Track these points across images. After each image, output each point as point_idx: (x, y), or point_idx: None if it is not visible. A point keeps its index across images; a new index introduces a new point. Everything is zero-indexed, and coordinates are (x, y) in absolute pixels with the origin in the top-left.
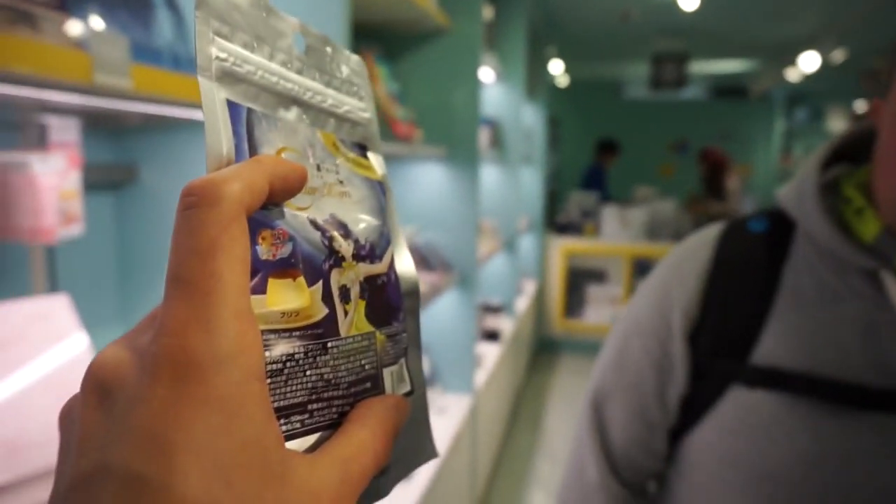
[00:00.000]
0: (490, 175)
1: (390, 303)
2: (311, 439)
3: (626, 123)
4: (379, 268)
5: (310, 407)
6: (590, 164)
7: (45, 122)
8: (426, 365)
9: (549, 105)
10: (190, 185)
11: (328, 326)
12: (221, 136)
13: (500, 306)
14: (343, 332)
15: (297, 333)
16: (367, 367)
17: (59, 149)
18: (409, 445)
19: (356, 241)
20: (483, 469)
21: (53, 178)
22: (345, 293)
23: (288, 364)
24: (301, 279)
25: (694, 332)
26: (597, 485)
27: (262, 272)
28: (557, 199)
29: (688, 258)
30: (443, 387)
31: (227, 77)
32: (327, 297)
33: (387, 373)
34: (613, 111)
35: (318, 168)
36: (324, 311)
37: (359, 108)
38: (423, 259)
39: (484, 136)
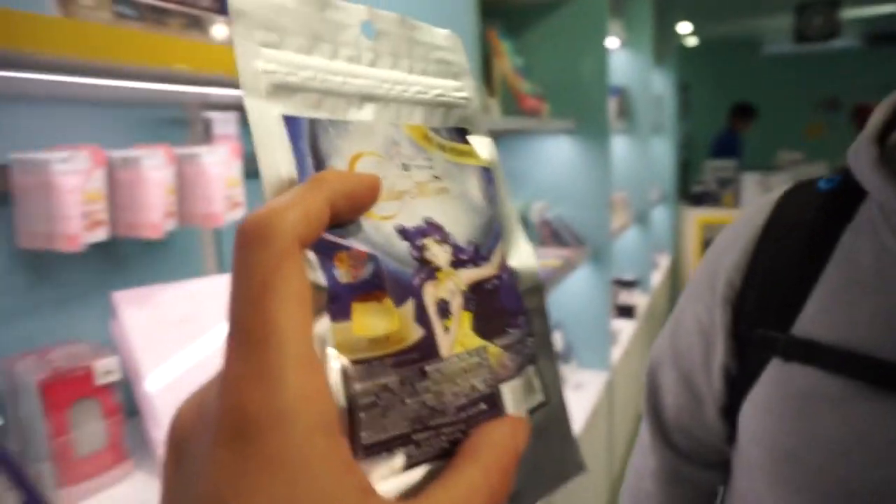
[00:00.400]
0: (619, 146)
1: (505, 308)
2: (419, 472)
3: (765, 83)
4: (487, 271)
5: (415, 438)
6: (721, 131)
7: (209, 118)
8: (559, 341)
9: (679, 70)
10: (243, 219)
11: (425, 348)
12: (278, 158)
13: (633, 281)
14: (445, 352)
15: (390, 361)
16: (479, 386)
17: (223, 141)
18: (547, 461)
19: (455, 246)
20: (619, 447)
21: (220, 168)
22: (443, 308)
23: (382, 395)
24: (388, 300)
25: (737, 298)
26: (648, 446)
27: (344, 297)
28: (690, 169)
29: (746, 218)
30: (577, 363)
31: (281, 90)
32: (421, 316)
33: (507, 389)
34: (750, 70)
35: (406, 167)
36: (418, 332)
37: (453, 88)
38: (554, 234)
39: (612, 106)
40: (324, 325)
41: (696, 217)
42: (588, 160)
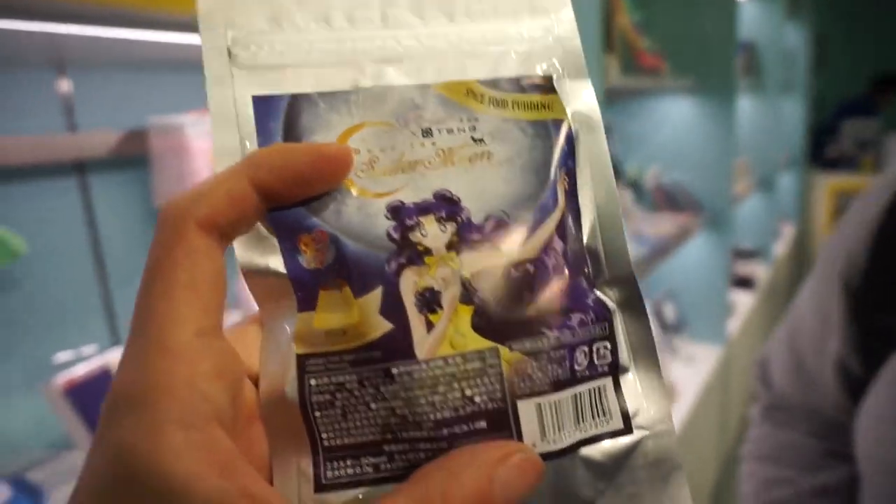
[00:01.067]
0: (743, 106)
1: (543, 301)
2: (390, 489)
3: None
4: (513, 253)
5: (386, 449)
6: (855, 97)
7: None
8: (670, 311)
9: (815, 21)
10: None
11: (392, 346)
12: (237, 143)
13: (753, 251)
14: (424, 352)
15: (348, 358)
16: (476, 398)
17: None
18: None
19: (466, 222)
20: (732, 426)
21: None
22: (427, 299)
23: (338, 395)
24: (347, 289)
25: (861, 281)
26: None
27: (311, 285)
28: (823, 131)
29: (877, 190)
30: (690, 335)
31: (254, 70)
32: (391, 308)
33: (527, 406)
34: None
35: (427, 133)
36: (384, 326)
37: (529, 26)
38: (669, 199)
39: (737, 62)
40: (290, 313)
41: (828, 184)
42: (709, 121)
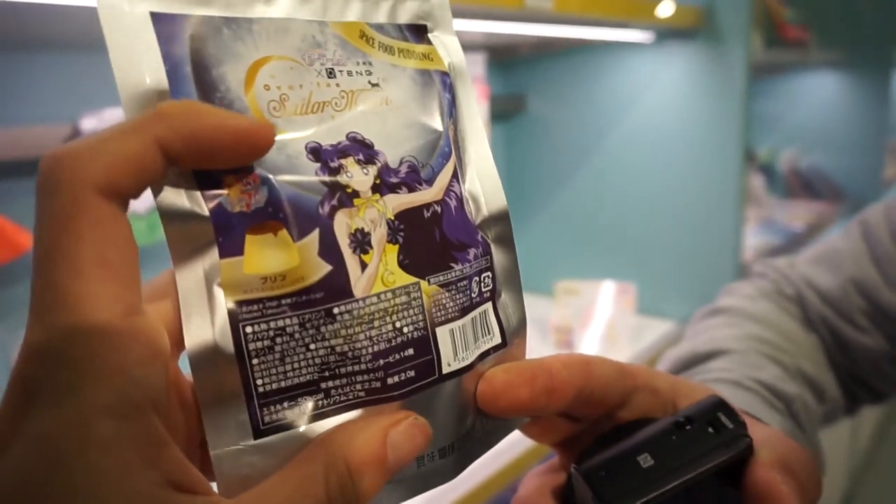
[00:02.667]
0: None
1: (449, 240)
2: (332, 423)
3: None
4: (424, 196)
5: (323, 386)
6: None
7: None
8: None
9: None
10: (43, 156)
11: (333, 287)
12: (141, 67)
13: None
14: (360, 290)
15: (288, 301)
16: (407, 329)
17: None
18: None
19: (383, 166)
20: (867, 430)
21: None
22: (361, 240)
23: (278, 340)
24: (283, 233)
25: None
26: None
27: (236, 228)
28: None
29: None
30: None
31: None
32: (329, 250)
33: (443, 332)
34: None
35: (331, 73)
36: (324, 268)
37: None
38: (805, 185)
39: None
40: (210, 260)
41: None
42: (859, 98)
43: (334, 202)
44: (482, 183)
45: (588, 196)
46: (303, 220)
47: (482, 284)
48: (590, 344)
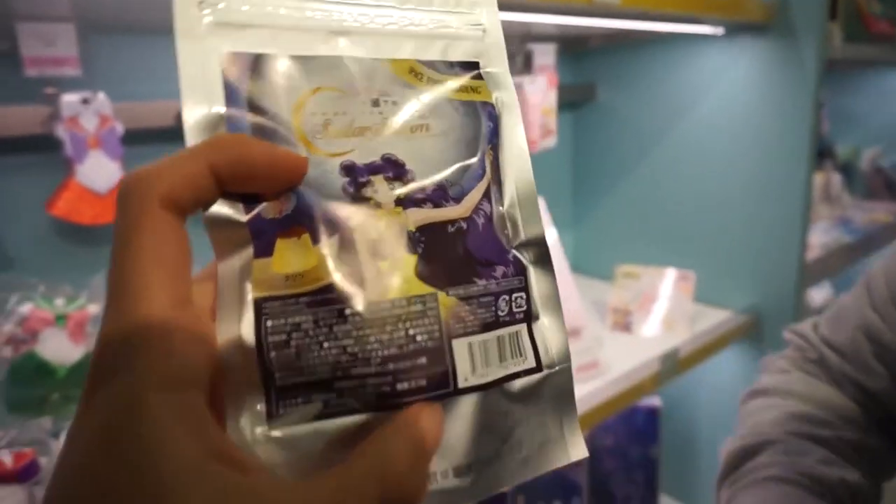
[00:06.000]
0: None
1: (473, 255)
2: (342, 423)
3: None
4: (451, 212)
5: (337, 386)
6: None
7: (530, 49)
8: None
9: None
10: (122, 176)
11: (347, 290)
12: (206, 97)
13: None
14: (374, 295)
15: (305, 299)
16: (420, 338)
17: (541, 71)
18: (526, 438)
19: (411, 183)
20: None
21: (538, 97)
22: (379, 248)
23: (294, 335)
24: (305, 236)
25: None
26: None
27: (269, 232)
28: None
29: None
30: None
31: (224, 28)
32: (346, 254)
33: (461, 345)
34: None
35: (376, 103)
36: (339, 270)
37: (462, 19)
38: (889, 184)
39: None
40: (245, 259)
41: None
42: None
43: (356, 212)
44: (521, 207)
45: (653, 184)
46: (324, 226)
47: (513, 304)
48: (646, 327)
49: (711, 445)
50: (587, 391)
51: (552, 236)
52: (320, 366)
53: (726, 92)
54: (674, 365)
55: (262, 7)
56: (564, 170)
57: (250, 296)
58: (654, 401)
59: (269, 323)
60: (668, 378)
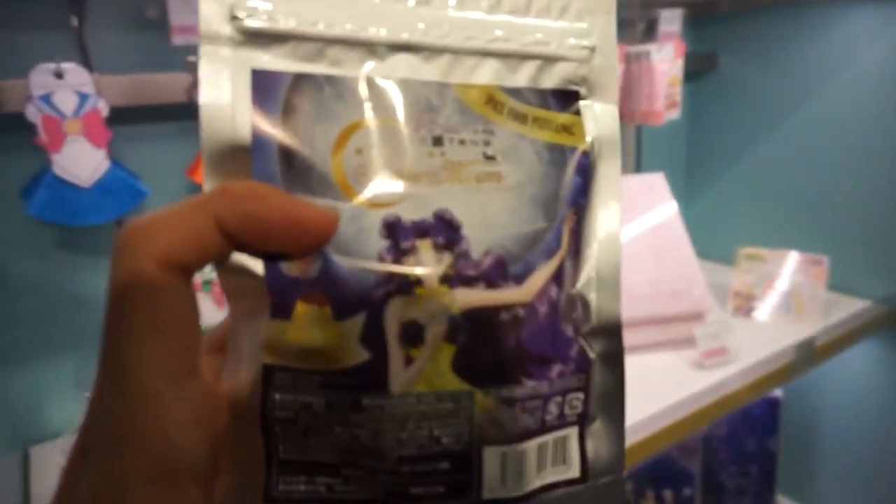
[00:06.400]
0: None
1: (527, 349)
2: None
3: None
4: (507, 295)
5: (343, 473)
6: None
7: (655, 15)
8: None
9: None
10: (118, 230)
11: (368, 377)
12: (230, 119)
13: None
14: (398, 387)
15: (320, 379)
16: (444, 440)
17: (667, 39)
18: None
19: (464, 254)
20: None
21: (665, 66)
22: (412, 333)
23: (303, 415)
24: (327, 309)
25: None
26: None
27: (289, 293)
28: None
29: None
30: None
31: (258, 39)
32: (372, 337)
33: (493, 453)
34: None
35: (439, 141)
36: (361, 355)
37: (564, 33)
38: None
39: None
40: (260, 319)
41: None
42: None
43: (391, 287)
44: (599, 287)
45: (778, 162)
46: (351, 301)
47: (566, 406)
48: (771, 314)
49: (834, 443)
50: (716, 379)
51: (672, 209)
52: (329, 449)
53: (874, 60)
54: (810, 355)
55: (309, 14)
56: (678, 144)
57: (261, 360)
58: (774, 391)
59: (277, 396)
60: (803, 370)
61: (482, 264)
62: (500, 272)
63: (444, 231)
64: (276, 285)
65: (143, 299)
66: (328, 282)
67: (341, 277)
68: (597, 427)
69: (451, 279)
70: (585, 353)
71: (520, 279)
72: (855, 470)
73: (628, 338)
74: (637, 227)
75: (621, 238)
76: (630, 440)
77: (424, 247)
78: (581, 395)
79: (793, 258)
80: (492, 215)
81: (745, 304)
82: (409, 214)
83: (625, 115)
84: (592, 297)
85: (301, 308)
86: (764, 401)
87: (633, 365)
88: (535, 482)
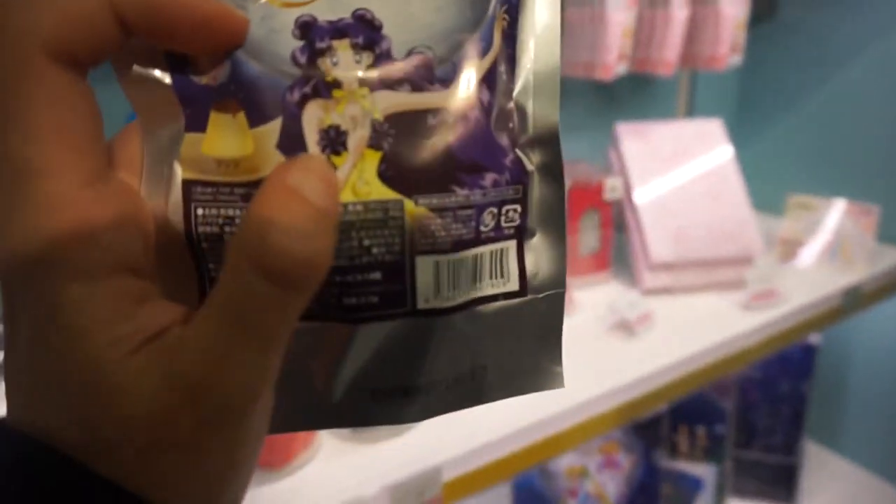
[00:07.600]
0: None
1: (457, 156)
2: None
3: None
4: (434, 98)
5: None
6: None
7: None
8: None
9: None
10: None
11: None
12: None
13: None
14: None
15: (240, 191)
16: (374, 250)
17: None
18: (500, 366)
19: (385, 54)
20: None
21: (733, 9)
22: (334, 139)
23: (227, 229)
24: (241, 116)
25: None
26: None
27: (202, 102)
28: None
29: None
30: None
31: None
32: (290, 143)
33: (425, 263)
34: None
35: None
36: (280, 162)
37: None
38: None
39: None
40: (173, 131)
41: None
42: None
43: (307, 90)
44: (536, 94)
45: (833, 112)
46: (264, 105)
47: (502, 218)
48: (818, 261)
49: (865, 393)
50: (764, 320)
51: (728, 153)
52: None
53: None
54: (856, 301)
55: None
56: (730, 92)
57: (179, 176)
58: (812, 337)
59: (199, 211)
60: (849, 314)
61: (405, 65)
62: (425, 74)
63: (364, 31)
64: (186, 93)
65: (36, 92)
66: (240, 86)
67: (253, 80)
68: (536, 241)
69: (372, 81)
70: (522, 163)
71: (446, 82)
72: (882, 420)
73: (679, 278)
74: (692, 170)
75: (558, 34)
76: (676, 375)
77: (342, 47)
78: (518, 207)
79: (842, 207)
80: (416, 14)
81: (792, 250)
82: (326, 14)
83: (686, 61)
84: (529, 105)
85: (215, 117)
86: (801, 346)
87: (682, 305)
88: (472, 293)
